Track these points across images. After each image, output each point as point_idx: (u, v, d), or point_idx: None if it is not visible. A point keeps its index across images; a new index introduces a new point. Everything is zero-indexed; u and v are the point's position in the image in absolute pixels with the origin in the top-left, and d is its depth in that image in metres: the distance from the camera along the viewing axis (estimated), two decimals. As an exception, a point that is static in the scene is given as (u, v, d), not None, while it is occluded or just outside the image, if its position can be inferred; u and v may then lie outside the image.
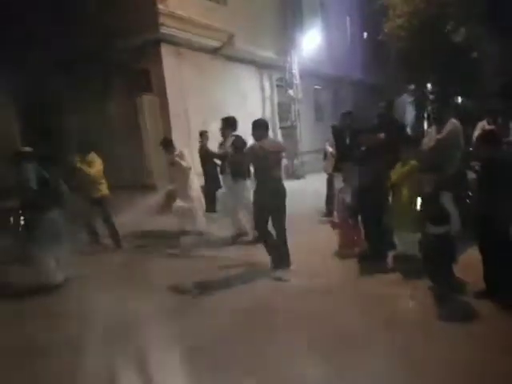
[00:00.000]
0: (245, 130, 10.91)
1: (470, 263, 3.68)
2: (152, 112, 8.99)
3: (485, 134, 3.68)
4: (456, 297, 3.55)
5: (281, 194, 4.48)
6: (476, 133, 4.90)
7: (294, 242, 4.76)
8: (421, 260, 4.10)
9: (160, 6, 8.05)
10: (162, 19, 8.14)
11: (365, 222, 4.77)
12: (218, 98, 10.34)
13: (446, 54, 5.61)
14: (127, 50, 8.30)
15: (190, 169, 6.20)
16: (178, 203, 6.29)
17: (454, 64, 5.67)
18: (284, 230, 4.54)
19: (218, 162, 7.54)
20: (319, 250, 5.15)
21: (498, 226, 3.28)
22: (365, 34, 17.13)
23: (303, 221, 6.71)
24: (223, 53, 10.29)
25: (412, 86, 6.50)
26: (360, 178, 4.69)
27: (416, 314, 3.46)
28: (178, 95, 9.11)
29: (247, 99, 11.77)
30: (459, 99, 6.53)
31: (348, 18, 17.43)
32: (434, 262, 3.65)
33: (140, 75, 8.81)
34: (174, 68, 9.02)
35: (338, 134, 6.11)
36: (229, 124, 5.74)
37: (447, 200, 3.56)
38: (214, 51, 10.08)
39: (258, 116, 12.43)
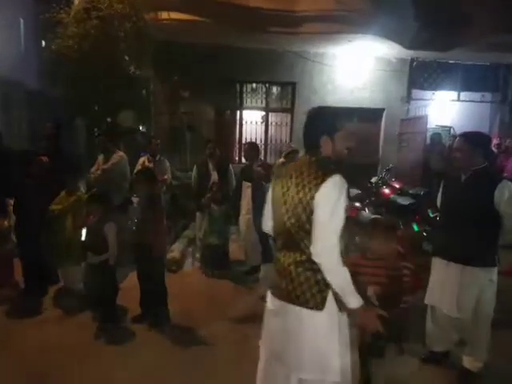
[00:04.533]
0: None
1: (130, 288, 3.85)
2: None
3: (142, 171, 4.01)
4: (117, 323, 3.66)
5: None
6: (137, 167, 5.29)
7: None
8: (84, 291, 4.04)
9: None
10: None
11: (24, 256, 4.20)
12: None
13: (114, 86, 5.84)
14: None
15: None
16: None
17: (123, 97, 5.99)
18: None
19: None
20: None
21: (149, 253, 3.54)
22: (43, 43, 15.67)
23: None
24: None
25: (85, 109, 6.37)
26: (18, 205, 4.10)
27: (79, 352, 3.27)
28: None
29: None
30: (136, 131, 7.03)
31: (22, 21, 15.45)
32: (96, 291, 3.66)
33: None
34: None
35: None
36: None
37: (110, 229, 3.59)
38: None
39: None
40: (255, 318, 3.68)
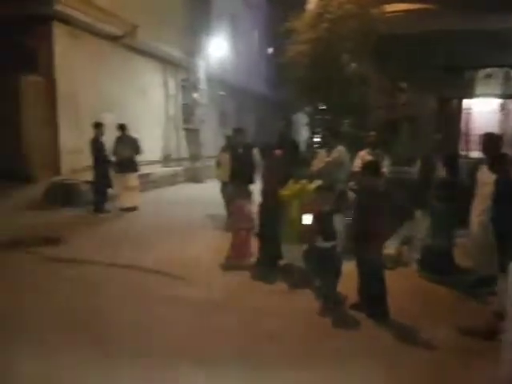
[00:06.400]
0: (145, 125, 10.58)
1: (347, 275, 3.94)
2: (36, 94, 7.98)
3: (369, 165, 4.00)
4: (339, 306, 3.82)
5: None
6: (356, 160, 5.43)
7: (185, 250, 4.56)
8: (306, 271, 4.39)
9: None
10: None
11: (262, 234, 4.87)
12: (114, 87, 9.71)
13: (339, 84, 6.16)
14: (10, 20, 7.23)
15: None
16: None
17: (344, 95, 6.27)
18: None
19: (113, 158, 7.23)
20: (210, 259, 5.10)
21: (371, 247, 3.63)
22: (270, 50, 17.89)
23: (197, 227, 6.71)
24: (124, 43, 9.70)
25: (307, 109, 7.01)
26: (261, 192, 4.85)
27: (302, 323, 3.60)
28: (68, 79, 8.27)
29: (147, 94, 11.30)
30: (346, 127, 7.25)
31: (257, 33, 18.03)
32: (321, 273, 3.94)
33: (24, 52, 7.75)
34: (66, 50, 8.16)
35: (232, 146, 6.21)
36: None
37: (338, 220, 3.86)
38: (115, 39, 9.44)
39: (161, 113, 12.11)
40: (485, 333, 3.38)
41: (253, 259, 4.93)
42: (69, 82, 8.31)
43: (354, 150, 5.88)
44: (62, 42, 8.05)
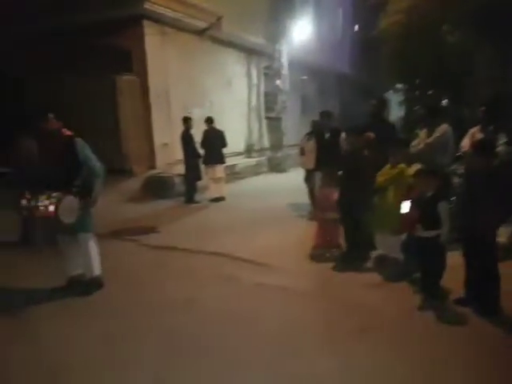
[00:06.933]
0: (229, 116, 10.79)
1: (451, 268, 3.60)
2: (131, 93, 8.58)
3: (481, 143, 3.56)
4: (441, 300, 3.55)
5: None
6: (465, 139, 4.80)
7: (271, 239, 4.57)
8: (402, 263, 4.12)
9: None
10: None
11: (347, 223, 4.65)
12: (201, 81, 10.02)
13: (440, 56, 5.48)
14: (105, 24, 7.80)
15: None
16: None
17: (446, 68, 5.55)
18: None
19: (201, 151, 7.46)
20: (295, 248, 5.03)
21: (483, 235, 3.26)
22: (356, 27, 16.94)
23: (281, 217, 6.67)
24: (210, 35, 9.89)
25: (400, 86, 6.39)
26: (344, 178, 4.60)
27: (399, 317, 3.39)
28: (159, 76, 8.73)
29: (232, 85, 11.46)
30: (448, 103, 6.41)
31: (341, 11, 17.17)
32: (422, 265, 3.65)
33: (119, 53, 8.34)
34: (156, 48, 8.61)
35: (318, 132, 5.93)
36: None
37: (443, 207, 3.49)
38: (200, 33, 9.68)
39: (244, 103, 12.21)
40: None
41: (342, 249, 4.73)
42: (160, 79, 8.77)
43: (459, 128, 5.22)
44: (152, 40, 8.50)
